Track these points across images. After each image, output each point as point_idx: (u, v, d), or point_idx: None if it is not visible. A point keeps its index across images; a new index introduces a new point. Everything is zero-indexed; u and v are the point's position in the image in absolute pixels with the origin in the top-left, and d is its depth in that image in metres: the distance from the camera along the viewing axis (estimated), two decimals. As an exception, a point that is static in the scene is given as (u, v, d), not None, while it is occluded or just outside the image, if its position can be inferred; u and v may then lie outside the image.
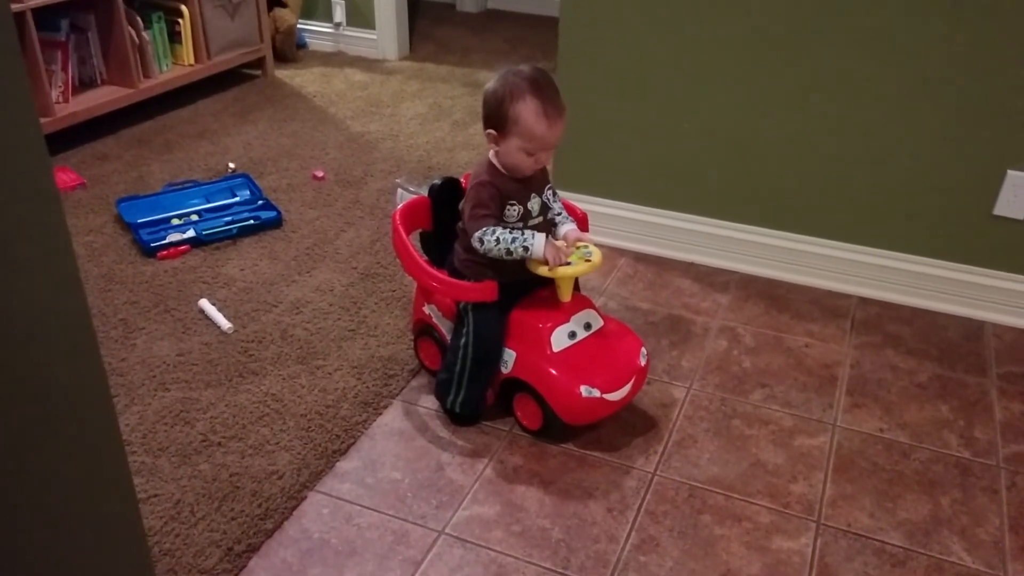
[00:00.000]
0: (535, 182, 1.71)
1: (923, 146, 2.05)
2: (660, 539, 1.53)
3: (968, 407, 1.86)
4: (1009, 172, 2.01)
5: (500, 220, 1.66)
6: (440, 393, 1.78)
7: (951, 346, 2.06)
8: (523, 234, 1.64)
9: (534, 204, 1.70)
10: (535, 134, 1.60)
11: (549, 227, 1.74)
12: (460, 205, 1.74)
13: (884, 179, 2.12)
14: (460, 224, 1.74)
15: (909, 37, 1.96)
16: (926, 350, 2.04)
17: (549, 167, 1.80)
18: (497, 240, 1.63)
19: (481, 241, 1.64)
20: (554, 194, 1.76)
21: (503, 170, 1.66)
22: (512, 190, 1.66)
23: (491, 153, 1.68)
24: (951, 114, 2.00)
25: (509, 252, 1.63)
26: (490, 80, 1.65)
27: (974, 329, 2.12)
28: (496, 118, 1.62)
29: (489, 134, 1.65)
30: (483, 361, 1.71)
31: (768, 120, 2.16)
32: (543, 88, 1.60)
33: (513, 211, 1.67)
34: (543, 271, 1.64)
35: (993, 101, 1.96)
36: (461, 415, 1.77)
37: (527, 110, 1.59)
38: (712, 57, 2.14)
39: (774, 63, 2.09)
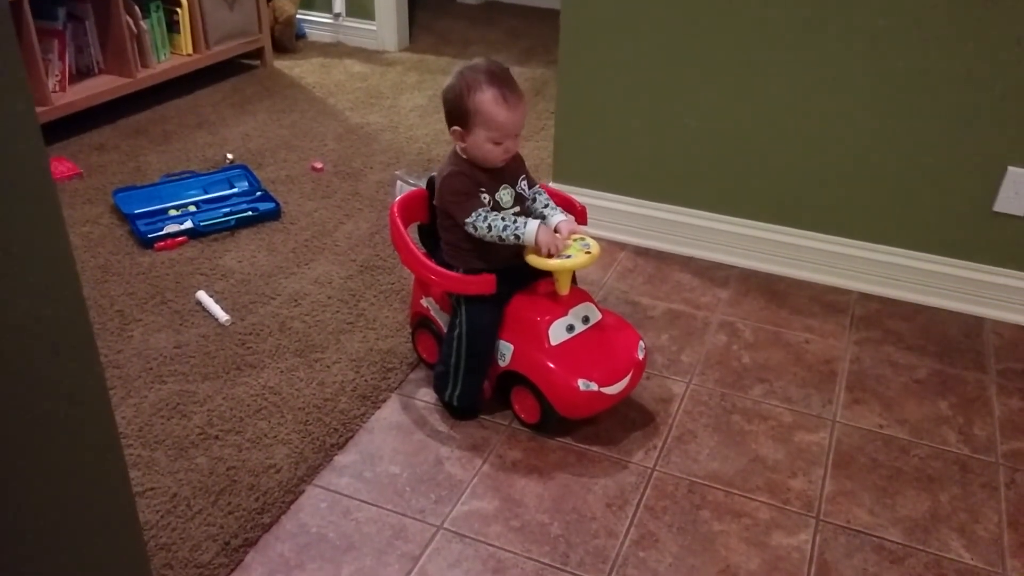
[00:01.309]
0: (507, 173, 1.70)
1: (923, 142, 2.04)
2: (659, 535, 1.53)
3: (967, 403, 1.86)
4: (1009, 168, 2.00)
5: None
6: (438, 387, 1.78)
7: (951, 342, 2.06)
8: (515, 222, 1.63)
9: (504, 195, 1.69)
10: (498, 120, 1.60)
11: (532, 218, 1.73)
12: (434, 201, 1.73)
13: (884, 175, 2.11)
14: (438, 220, 1.74)
15: (909, 32, 1.95)
16: (925, 346, 2.04)
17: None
18: (489, 227, 1.63)
19: (474, 227, 1.63)
20: (529, 185, 1.75)
21: (472, 162, 1.67)
22: (482, 179, 1.67)
23: (457, 148, 1.68)
24: (951, 110, 1.99)
25: (501, 239, 1.63)
26: (448, 79, 1.66)
27: (973, 325, 2.12)
28: (458, 113, 1.63)
29: (455, 131, 1.65)
30: (477, 353, 1.70)
31: (769, 116, 2.15)
32: (498, 76, 1.62)
33: (484, 199, 1.67)
34: (541, 263, 1.63)
35: (994, 97, 1.95)
36: (459, 409, 1.76)
37: (486, 98, 1.60)
38: (714, 52, 2.13)
39: (775, 59, 2.08)
